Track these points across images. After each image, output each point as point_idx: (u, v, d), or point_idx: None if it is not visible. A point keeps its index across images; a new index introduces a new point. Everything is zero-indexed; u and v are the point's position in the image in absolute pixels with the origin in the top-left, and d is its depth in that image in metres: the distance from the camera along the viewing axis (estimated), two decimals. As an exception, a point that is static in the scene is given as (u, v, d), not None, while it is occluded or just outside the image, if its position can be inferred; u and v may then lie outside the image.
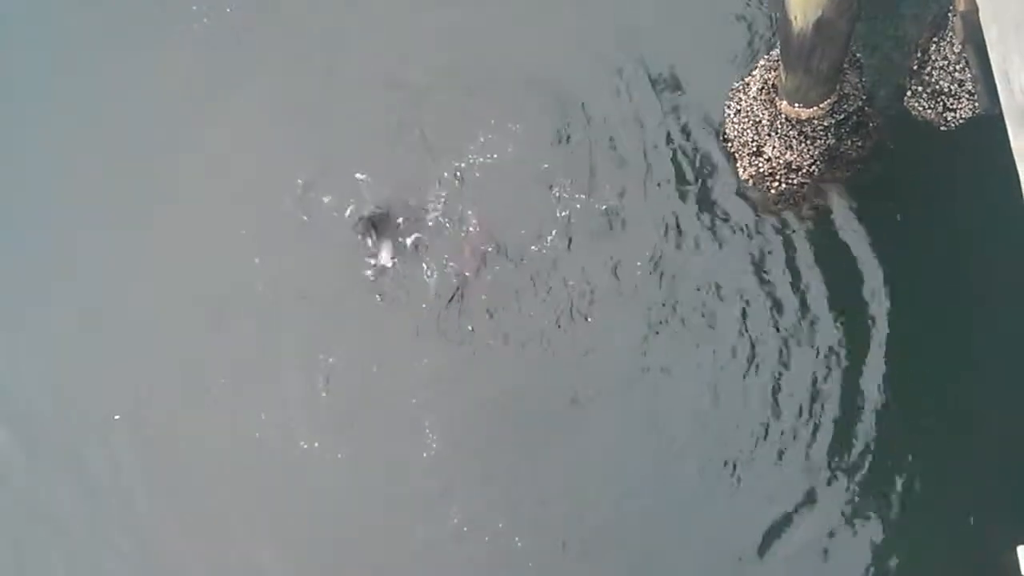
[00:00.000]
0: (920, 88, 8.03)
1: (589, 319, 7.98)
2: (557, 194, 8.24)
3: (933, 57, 7.93)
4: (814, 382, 7.66)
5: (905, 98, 8.09)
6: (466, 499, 7.67)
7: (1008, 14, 5.74)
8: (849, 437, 7.53)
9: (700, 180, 8.18)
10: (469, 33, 8.71)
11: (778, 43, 7.24)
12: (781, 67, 7.25)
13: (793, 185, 7.96)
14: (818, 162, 7.83)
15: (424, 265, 8.20)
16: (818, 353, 7.72)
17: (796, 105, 7.47)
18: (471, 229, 8.23)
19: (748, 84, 7.95)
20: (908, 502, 7.36)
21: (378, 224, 8.21)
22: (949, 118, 7.94)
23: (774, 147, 7.79)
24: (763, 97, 7.73)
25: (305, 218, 8.36)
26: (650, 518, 7.56)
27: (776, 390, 7.67)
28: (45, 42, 9.17)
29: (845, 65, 7.29)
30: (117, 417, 8.05)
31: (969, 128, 7.84)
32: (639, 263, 8.05)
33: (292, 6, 9.03)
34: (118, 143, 8.72)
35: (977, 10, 6.20)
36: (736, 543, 7.45)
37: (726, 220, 8.09)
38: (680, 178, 8.21)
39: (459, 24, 8.73)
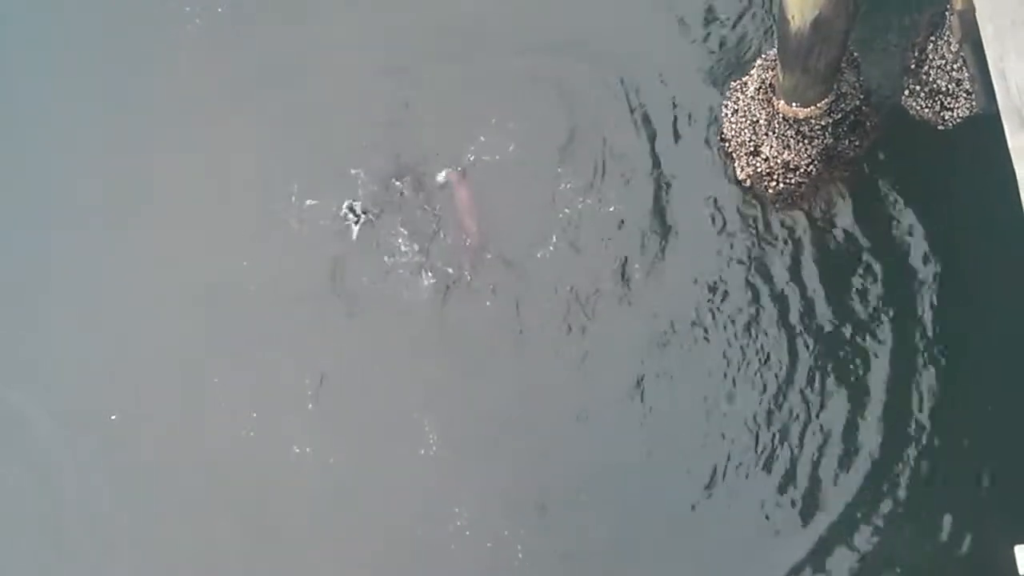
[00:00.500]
0: (918, 87, 8.03)
1: (589, 320, 7.97)
2: (555, 194, 8.23)
3: (931, 56, 7.92)
4: (814, 383, 7.65)
5: (903, 97, 8.09)
6: (466, 502, 7.64)
7: (1004, 12, 5.75)
8: (849, 437, 7.52)
9: (697, 180, 8.17)
10: (469, 33, 8.70)
11: (776, 42, 7.24)
12: (779, 66, 7.24)
13: (791, 185, 7.96)
14: (816, 161, 7.82)
15: (424, 266, 8.19)
16: (817, 353, 7.71)
17: (794, 104, 7.46)
18: (470, 230, 8.24)
19: (746, 83, 7.94)
20: (907, 502, 7.35)
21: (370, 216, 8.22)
22: (946, 117, 7.93)
23: (772, 146, 7.78)
24: (761, 96, 7.73)
25: (301, 219, 8.35)
26: (650, 518, 7.54)
27: (776, 391, 7.66)
28: (44, 42, 9.17)
29: (843, 64, 7.29)
30: (113, 417, 8.06)
31: (966, 127, 7.84)
32: (637, 264, 8.04)
33: (285, 5, 9.02)
34: (113, 143, 8.72)
35: (974, 9, 6.22)
36: (738, 547, 7.44)
37: (723, 220, 8.07)
38: (677, 178, 8.21)
39: (459, 24, 8.72)
